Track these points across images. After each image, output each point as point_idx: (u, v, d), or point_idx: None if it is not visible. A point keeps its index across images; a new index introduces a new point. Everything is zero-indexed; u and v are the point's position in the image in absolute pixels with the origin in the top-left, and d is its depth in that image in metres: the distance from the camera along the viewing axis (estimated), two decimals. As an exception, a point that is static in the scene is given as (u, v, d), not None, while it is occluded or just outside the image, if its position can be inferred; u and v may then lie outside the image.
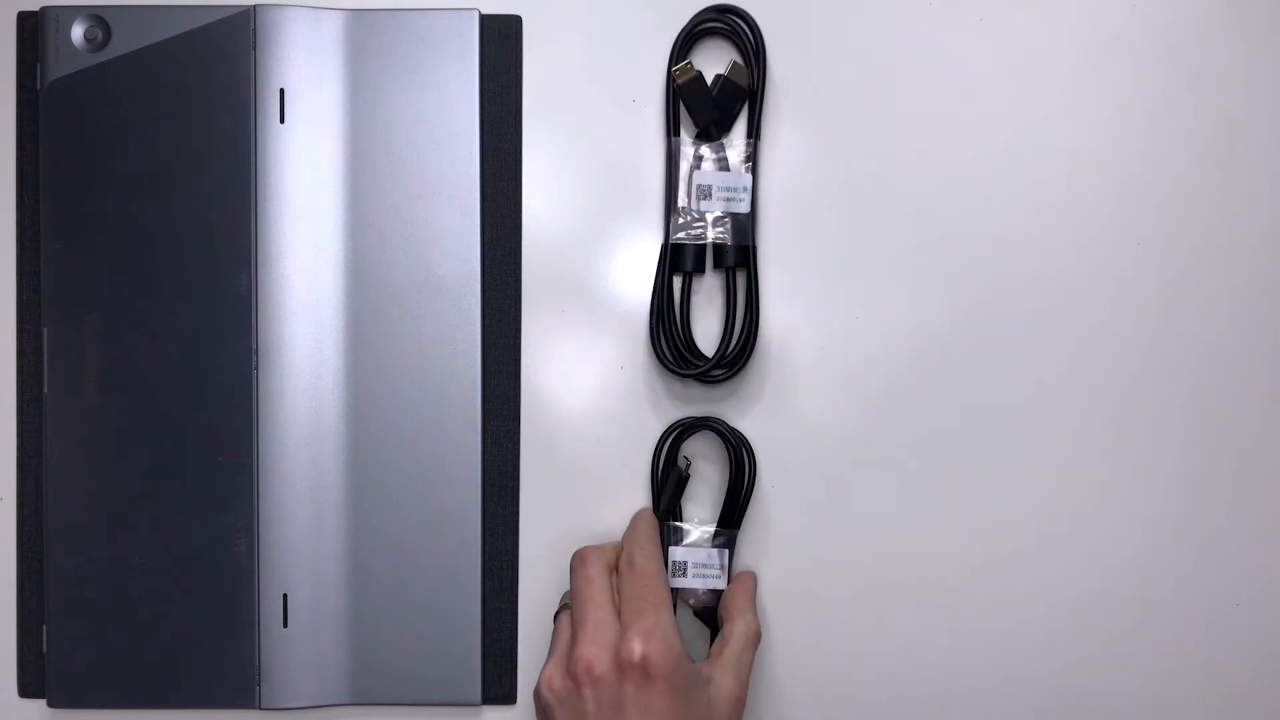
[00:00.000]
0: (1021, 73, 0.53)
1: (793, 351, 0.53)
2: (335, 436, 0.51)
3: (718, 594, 0.52)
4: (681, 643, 0.45)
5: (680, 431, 0.52)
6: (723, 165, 0.52)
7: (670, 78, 0.52)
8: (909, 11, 0.53)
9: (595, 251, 0.53)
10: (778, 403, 0.53)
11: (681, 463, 0.52)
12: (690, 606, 0.52)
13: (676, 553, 0.52)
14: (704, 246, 0.52)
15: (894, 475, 0.53)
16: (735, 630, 0.48)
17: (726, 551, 0.52)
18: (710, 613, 0.52)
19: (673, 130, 0.52)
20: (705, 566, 0.51)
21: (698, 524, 0.52)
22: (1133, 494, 0.53)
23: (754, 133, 0.52)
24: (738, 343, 0.51)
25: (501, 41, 0.53)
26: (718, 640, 0.49)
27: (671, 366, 0.51)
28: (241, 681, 0.51)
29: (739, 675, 0.47)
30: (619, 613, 0.46)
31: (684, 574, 0.52)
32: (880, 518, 0.53)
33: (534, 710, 0.47)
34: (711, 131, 0.52)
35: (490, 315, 0.52)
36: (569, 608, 0.48)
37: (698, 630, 0.53)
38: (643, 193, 0.53)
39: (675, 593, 0.52)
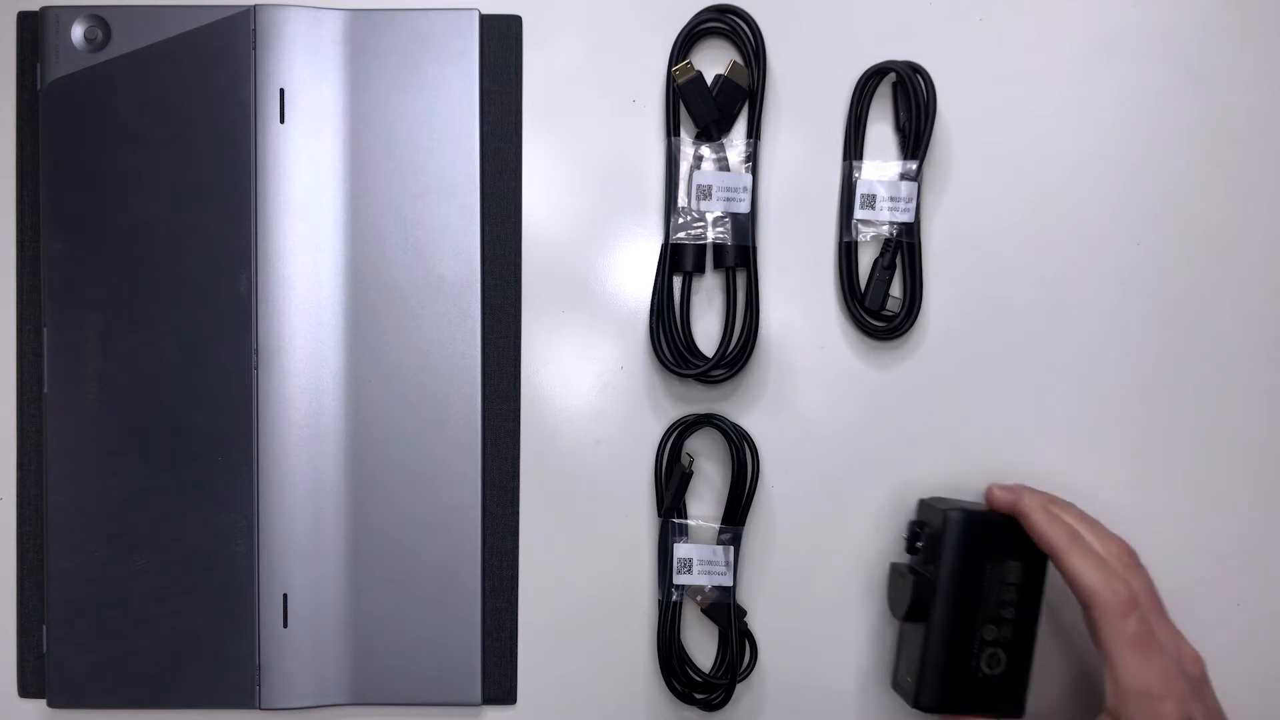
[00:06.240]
0: (1021, 73, 0.53)
1: (793, 351, 0.53)
2: (335, 436, 0.51)
3: (725, 591, 0.52)
4: None
5: (683, 429, 0.52)
6: (723, 165, 0.52)
7: (670, 78, 0.52)
8: (909, 11, 0.53)
9: (595, 251, 0.53)
10: (778, 403, 0.53)
11: (684, 460, 0.52)
12: (698, 604, 0.52)
13: (682, 549, 0.51)
14: (704, 246, 0.52)
15: (894, 474, 0.53)
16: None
17: (732, 549, 0.52)
18: (718, 610, 0.52)
19: (673, 130, 0.52)
20: (711, 564, 0.51)
21: (702, 521, 0.52)
22: (1134, 494, 0.53)
23: (754, 133, 0.52)
24: (738, 342, 0.51)
25: (501, 41, 0.53)
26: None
27: (671, 366, 0.51)
28: (241, 681, 0.51)
29: None
30: None
31: (689, 571, 0.51)
32: (881, 517, 0.53)
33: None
34: (711, 131, 0.52)
35: (490, 315, 0.52)
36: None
37: (705, 628, 0.53)
38: (643, 193, 0.53)
39: (681, 590, 0.52)
